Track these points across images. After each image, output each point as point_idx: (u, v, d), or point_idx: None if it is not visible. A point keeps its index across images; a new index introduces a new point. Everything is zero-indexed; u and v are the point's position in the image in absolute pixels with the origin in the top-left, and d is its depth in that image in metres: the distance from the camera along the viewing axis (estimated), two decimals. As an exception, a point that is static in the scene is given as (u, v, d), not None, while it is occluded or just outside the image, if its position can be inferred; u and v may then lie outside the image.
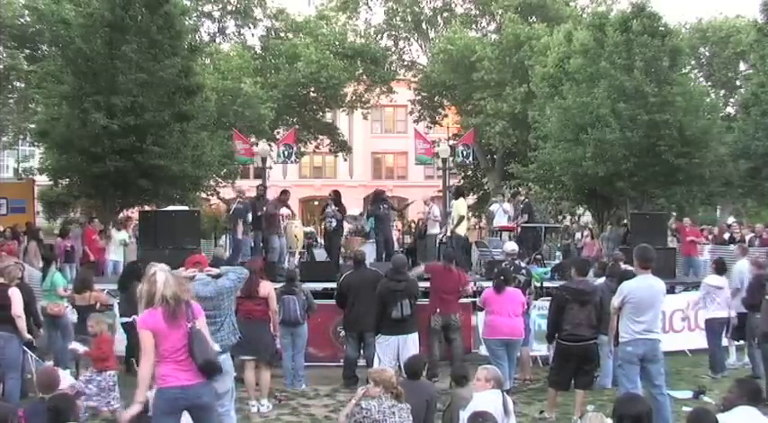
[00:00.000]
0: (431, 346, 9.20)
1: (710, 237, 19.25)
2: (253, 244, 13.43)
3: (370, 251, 13.21)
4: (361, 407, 5.19)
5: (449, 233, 13.35)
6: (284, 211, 13.44)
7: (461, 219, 13.30)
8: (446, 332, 9.14)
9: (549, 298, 8.79)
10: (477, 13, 32.49)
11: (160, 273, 4.97)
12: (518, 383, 9.18)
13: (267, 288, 8.30)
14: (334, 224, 13.75)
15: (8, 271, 7.84)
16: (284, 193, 14.04)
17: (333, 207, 13.83)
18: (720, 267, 10.20)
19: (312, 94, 29.56)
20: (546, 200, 25.06)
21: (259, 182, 15.47)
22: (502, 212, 15.58)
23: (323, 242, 15.09)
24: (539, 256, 14.45)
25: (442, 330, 9.14)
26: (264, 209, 13.19)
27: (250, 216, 13.15)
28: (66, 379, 6.78)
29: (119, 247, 15.22)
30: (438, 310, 9.05)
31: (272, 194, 14.90)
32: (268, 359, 8.29)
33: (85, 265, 13.83)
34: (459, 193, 14.02)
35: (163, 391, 4.81)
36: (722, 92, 32.50)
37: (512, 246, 10.27)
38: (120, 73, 15.29)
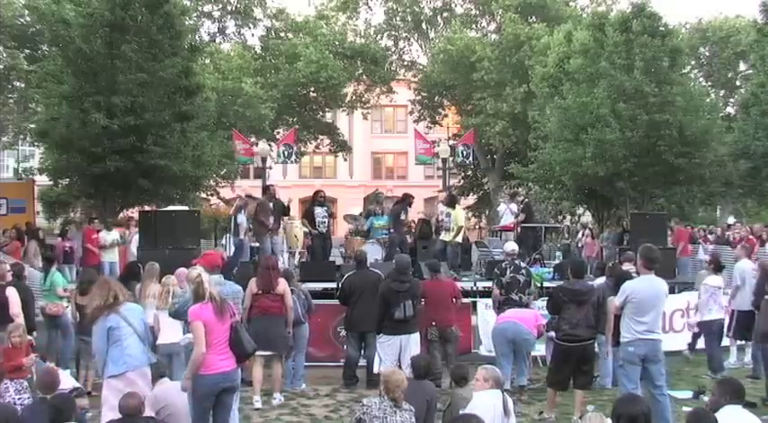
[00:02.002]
0: (431, 355, 9.10)
1: (711, 237, 19.27)
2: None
3: (371, 251, 13.18)
4: (362, 403, 5.33)
5: (447, 238, 13.04)
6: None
7: (460, 229, 13.10)
8: (443, 342, 9.06)
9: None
10: (477, 13, 32.48)
11: (204, 273, 5.91)
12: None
13: (284, 285, 8.43)
14: (326, 225, 13.59)
15: None
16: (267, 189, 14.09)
17: (322, 208, 13.68)
18: (718, 266, 10.21)
19: (312, 94, 29.54)
20: (546, 200, 25.06)
21: (267, 182, 15.42)
22: (509, 212, 15.55)
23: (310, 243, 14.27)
24: (538, 256, 14.44)
25: (439, 340, 9.05)
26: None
27: (241, 217, 13.10)
28: (66, 379, 6.78)
29: (112, 248, 14.87)
30: (434, 323, 8.92)
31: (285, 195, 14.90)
32: (285, 353, 8.46)
33: (87, 266, 13.81)
34: (455, 200, 13.58)
35: (206, 376, 5.58)
36: (722, 92, 32.55)
37: (512, 246, 10.24)
38: (120, 73, 15.27)
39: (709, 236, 20.27)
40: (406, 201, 14.12)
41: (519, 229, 14.95)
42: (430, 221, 14.86)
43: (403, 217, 13.82)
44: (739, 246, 12.24)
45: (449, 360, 8.75)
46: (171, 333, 7.90)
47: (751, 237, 17.18)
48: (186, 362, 6.12)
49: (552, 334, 8.46)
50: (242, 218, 12.92)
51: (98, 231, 15.16)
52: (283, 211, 14.17)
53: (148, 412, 5.65)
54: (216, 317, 5.66)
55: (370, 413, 5.16)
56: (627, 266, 9.34)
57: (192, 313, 5.68)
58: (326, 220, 13.64)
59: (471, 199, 36.48)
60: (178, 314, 6.85)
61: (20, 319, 7.66)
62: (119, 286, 6.20)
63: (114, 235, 15.00)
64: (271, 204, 13.57)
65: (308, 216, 13.79)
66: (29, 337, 7.70)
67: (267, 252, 12.79)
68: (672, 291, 11.03)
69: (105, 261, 14.69)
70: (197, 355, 5.59)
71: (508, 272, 9.38)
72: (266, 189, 14.13)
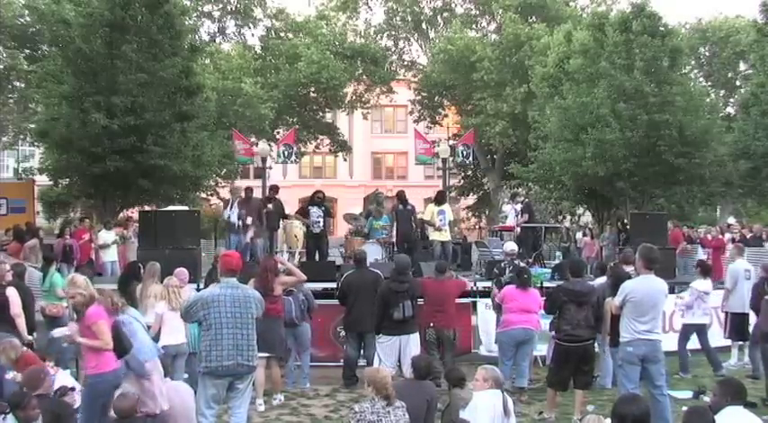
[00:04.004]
0: (429, 355, 9.05)
1: (709, 237, 19.26)
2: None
3: (371, 252, 13.17)
4: (354, 411, 5.24)
5: (443, 238, 12.97)
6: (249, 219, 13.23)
7: (450, 224, 13.13)
8: (440, 344, 9.03)
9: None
10: (477, 13, 32.51)
11: (86, 278, 6.24)
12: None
13: (281, 287, 8.40)
14: (321, 226, 13.63)
15: None
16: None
17: (318, 208, 13.69)
18: (705, 270, 10.26)
19: (312, 94, 29.56)
20: (546, 200, 25.07)
21: (268, 182, 15.40)
22: (514, 214, 15.54)
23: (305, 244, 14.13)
24: (538, 257, 14.43)
25: (437, 342, 8.97)
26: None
27: (232, 218, 13.09)
28: (66, 379, 6.76)
29: (110, 248, 14.78)
30: (431, 324, 8.84)
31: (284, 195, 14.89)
32: (282, 355, 8.41)
33: (81, 264, 13.81)
34: (444, 198, 13.62)
35: (107, 373, 5.77)
36: (722, 92, 32.54)
37: (511, 246, 10.25)
38: (120, 73, 15.29)
39: (708, 236, 20.25)
40: (402, 199, 14.16)
41: (519, 229, 14.95)
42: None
43: (409, 212, 13.86)
44: (732, 246, 12.24)
45: (445, 365, 8.67)
46: (178, 333, 7.90)
47: (720, 237, 17.71)
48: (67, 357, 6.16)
49: (553, 333, 8.45)
50: (231, 215, 12.95)
51: (98, 231, 15.15)
52: (282, 211, 14.18)
53: (164, 405, 5.97)
54: (109, 316, 5.98)
55: (365, 418, 5.11)
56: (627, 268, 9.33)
57: (96, 314, 5.85)
58: (321, 219, 13.61)
59: (471, 199, 36.51)
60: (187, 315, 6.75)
61: (21, 320, 7.64)
62: (116, 293, 6.54)
63: (111, 235, 14.98)
64: (270, 204, 13.57)
65: (303, 214, 13.80)
66: (29, 338, 7.71)
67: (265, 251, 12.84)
68: (672, 291, 11.06)
69: (106, 261, 14.67)
70: (99, 344, 5.81)
71: (507, 272, 9.38)
72: (273, 188, 14.15)
